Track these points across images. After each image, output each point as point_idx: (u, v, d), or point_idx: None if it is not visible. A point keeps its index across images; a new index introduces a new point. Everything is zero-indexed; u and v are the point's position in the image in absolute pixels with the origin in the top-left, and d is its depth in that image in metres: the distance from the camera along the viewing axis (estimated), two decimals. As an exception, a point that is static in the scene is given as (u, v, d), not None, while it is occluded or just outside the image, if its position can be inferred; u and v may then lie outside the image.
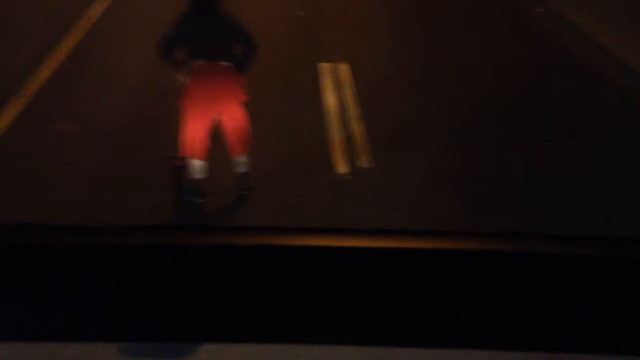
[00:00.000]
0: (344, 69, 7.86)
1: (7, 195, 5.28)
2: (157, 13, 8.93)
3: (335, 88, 7.42)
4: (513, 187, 5.68)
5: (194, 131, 5.16)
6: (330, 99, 7.18)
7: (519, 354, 1.02)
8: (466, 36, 9.19)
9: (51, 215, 4.92)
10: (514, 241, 1.01)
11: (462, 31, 9.37)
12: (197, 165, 5.26)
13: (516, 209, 5.34)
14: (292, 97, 7.28)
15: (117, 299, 0.97)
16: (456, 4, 10.53)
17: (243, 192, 5.47)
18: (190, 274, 0.97)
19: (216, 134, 5.31)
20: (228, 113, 5.20)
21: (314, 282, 0.97)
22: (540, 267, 0.96)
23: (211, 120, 5.18)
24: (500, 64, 8.28)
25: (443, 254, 0.98)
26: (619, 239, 0.99)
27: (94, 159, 5.96)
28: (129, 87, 7.42)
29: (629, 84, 7.81)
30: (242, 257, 0.98)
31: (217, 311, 0.97)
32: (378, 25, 9.59)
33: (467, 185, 5.69)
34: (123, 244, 0.99)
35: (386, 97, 7.34)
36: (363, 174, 5.86)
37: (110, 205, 5.27)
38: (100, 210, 5.16)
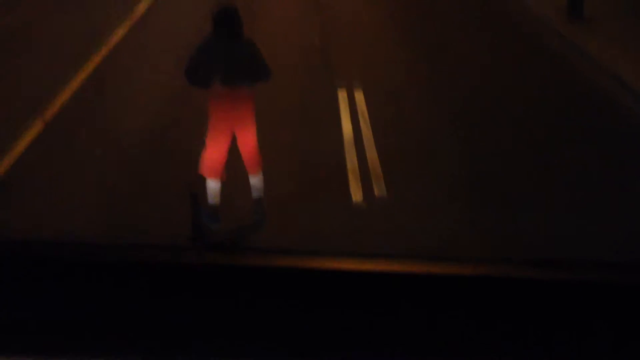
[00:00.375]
0: (358, 95, 7.90)
1: (28, 215, 5.36)
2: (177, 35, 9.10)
3: (350, 114, 7.47)
4: (525, 209, 5.69)
5: (213, 153, 5.29)
6: (345, 125, 7.22)
7: None
8: (477, 60, 9.18)
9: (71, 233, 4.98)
10: (529, 268, 1.01)
11: (473, 56, 9.33)
12: (213, 189, 5.35)
13: (528, 228, 5.36)
14: (310, 121, 7.35)
15: (124, 317, 0.96)
16: (468, 28, 10.53)
17: (258, 217, 5.54)
18: (199, 293, 0.97)
19: (234, 157, 5.41)
20: (244, 135, 5.35)
21: (326, 305, 0.96)
22: (557, 294, 0.97)
23: (229, 142, 5.32)
24: (513, 85, 8.30)
25: (453, 279, 0.97)
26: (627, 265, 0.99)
27: (115, 176, 6.09)
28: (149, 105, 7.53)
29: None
30: (250, 279, 0.97)
31: (226, 332, 0.96)
32: (390, 52, 9.63)
33: (482, 214, 5.69)
34: (132, 262, 0.98)
35: (400, 122, 7.35)
36: (378, 200, 5.89)
37: (128, 224, 5.35)
38: (116, 229, 5.23)
